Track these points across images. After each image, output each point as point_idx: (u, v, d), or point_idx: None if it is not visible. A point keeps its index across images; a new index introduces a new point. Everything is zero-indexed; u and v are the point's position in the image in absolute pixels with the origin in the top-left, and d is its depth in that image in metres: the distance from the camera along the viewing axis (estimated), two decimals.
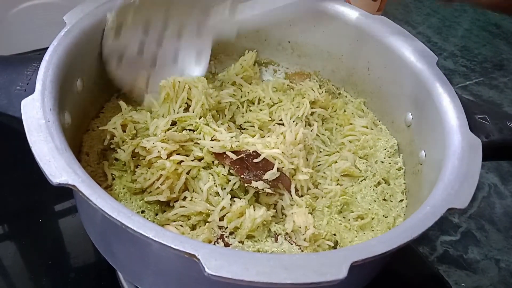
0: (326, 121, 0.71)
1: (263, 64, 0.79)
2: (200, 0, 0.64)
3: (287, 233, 0.56)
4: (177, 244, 0.37)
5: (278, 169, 0.55)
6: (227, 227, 0.53)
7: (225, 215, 0.54)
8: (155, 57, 0.64)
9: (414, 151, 0.62)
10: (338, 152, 0.67)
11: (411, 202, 0.60)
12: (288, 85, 0.75)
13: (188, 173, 0.56)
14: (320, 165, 0.65)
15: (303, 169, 0.58)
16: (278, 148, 0.57)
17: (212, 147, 0.56)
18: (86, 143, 0.61)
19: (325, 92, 0.72)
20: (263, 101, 0.70)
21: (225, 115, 0.67)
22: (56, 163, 0.42)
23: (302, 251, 0.52)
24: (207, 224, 0.53)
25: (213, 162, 0.57)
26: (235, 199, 0.56)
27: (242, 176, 0.55)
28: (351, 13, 0.69)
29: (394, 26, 0.66)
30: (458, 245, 0.79)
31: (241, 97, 0.71)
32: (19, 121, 0.46)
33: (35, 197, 0.73)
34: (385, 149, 0.66)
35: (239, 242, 0.53)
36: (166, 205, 0.56)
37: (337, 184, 0.62)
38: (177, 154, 0.56)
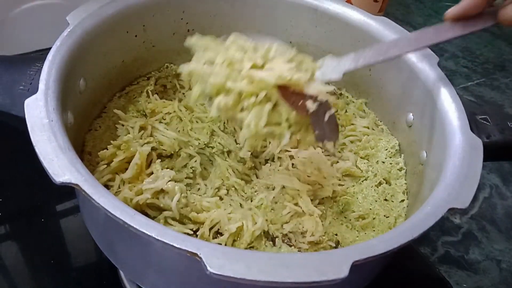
0: None
1: None
2: None
3: (285, 235, 0.56)
4: (179, 243, 0.38)
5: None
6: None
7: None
8: None
9: (415, 151, 0.62)
10: (339, 152, 0.67)
11: (412, 202, 0.61)
12: None
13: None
14: None
15: None
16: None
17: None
18: (89, 143, 0.61)
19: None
20: None
21: None
22: (59, 162, 0.42)
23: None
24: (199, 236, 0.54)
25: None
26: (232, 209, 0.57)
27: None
28: (353, 14, 0.69)
29: (395, 26, 0.67)
30: (459, 245, 0.79)
31: None
32: (22, 120, 0.46)
33: (37, 197, 0.73)
34: (386, 149, 0.67)
35: None
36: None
37: (339, 185, 0.62)
38: None
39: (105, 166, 0.57)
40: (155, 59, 0.72)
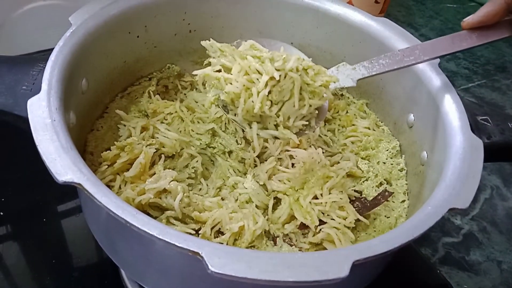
0: (328, 122, 0.72)
1: None
2: None
3: (286, 235, 0.57)
4: (181, 242, 0.38)
5: None
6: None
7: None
8: None
9: (416, 152, 0.62)
10: (340, 153, 0.68)
11: (413, 203, 0.61)
12: None
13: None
14: None
15: None
16: None
17: None
18: (91, 143, 0.61)
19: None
20: None
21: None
22: (61, 161, 0.42)
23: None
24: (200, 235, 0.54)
25: None
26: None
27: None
28: (354, 15, 0.69)
29: (396, 27, 0.67)
30: (460, 246, 0.79)
31: None
32: (25, 120, 0.46)
33: (38, 197, 0.73)
34: (387, 150, 0.67)
35: None
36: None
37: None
38: None
39: (107, 166, 0.57)
40: (157, 59, 0.72)
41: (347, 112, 0.72)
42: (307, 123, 0.54)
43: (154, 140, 0.61)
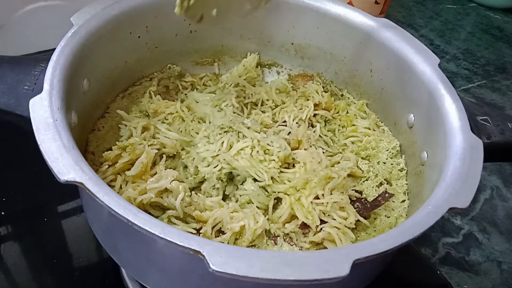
0: (329, 122, 0.72)
1: (267, 66, 0.80)
2: None
3: (286, 234, 0.57)
4: (182, 241, 0.38)
5: None
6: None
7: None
8: None
9: (416, 152, 0.62)
10: (340, 153, 0.68)
11: (413, 203, 0.61)
12: (291, 87, 0.75)
13: None
14: None
15: None
16: None
17: None
18: (92, 143, 0.61)
19: (329, 94, 0.73)
20: (266, 104, 0.71)
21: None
22: (63, 161, 0.42)
23: None
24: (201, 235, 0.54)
25: None
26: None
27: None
28: (354, 15, 0.69)
29: (396, 28, 0.67)
30: (460, 247, 0.79)
31: (244, 98, 0.72)
32: (26, 120, 0.46)
33: (39, 197, 0.73)
34: (387, 150, 0.67)
35: None
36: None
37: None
38: None
39: (108, 166, 0.58)
40: (158, 60, 0.72)
41: (347, 112, 0.73)
42: None
43: (155, 140, 0.61)
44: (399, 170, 0.65)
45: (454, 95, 0.57)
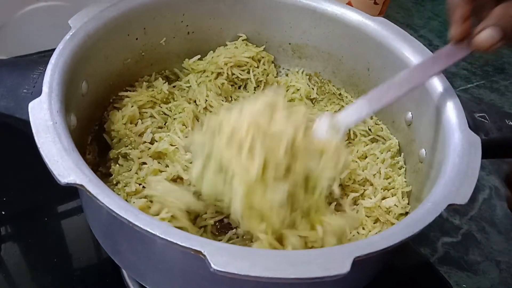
0: None
1: None
2: None
3: None
4: (183, 241, 0.38)
5: None
6: None
7: None
8: None
9: (415, 150, 0.63)
10: None
11: (412, 200, 0.61)
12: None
13: None
14: None
15: None
16: None
17: None
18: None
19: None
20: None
21: None
22: (64, 163, 0.42)
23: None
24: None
25: None
26: None
27: None
28: (351, 15, 0.70)
29: (393, 27, 0.67)
30: (459, 246, 0.79)
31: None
32: (26, 123, 0.46)
33: (39, 197, 0.73)
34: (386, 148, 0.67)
35: None
36: None
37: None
38: None
39: None
40: (156, 61, 0.72)
41: None
42: None
43: None
44: (398, 168, 0.65)
45: (451, 92, 0.58)
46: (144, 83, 0.69)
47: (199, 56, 0.74)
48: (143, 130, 0.61)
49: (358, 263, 0.38)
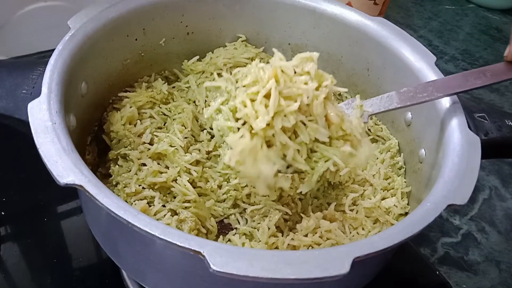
0: None
1: None
2: None
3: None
4: (182, 242, 0.38)
5: None
6: None
7: None
8: None
9: (414, 150, 0.63)
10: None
11: (412, 200, 0.61)
12: None
13: None
14: None
15: None
16: None
17: None
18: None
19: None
20: None
21: None
22: (63, 164, 0.42)
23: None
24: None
25: None
26: None
27: None
28: (351, 15, 0.70)
29: (392, 27, 0.67)
30: (459, 246, 0.79)
31: None
32: (25, 124, 0.46)
33: (39, 197, 0.73)
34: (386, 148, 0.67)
35: None
36: None
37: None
38: None
39: None
40: (155, 62, 0.72)
41: None
42: None
43: None
44: (397, 168, 0.65)
45: None
46: (143, 83, 0.70)
47: (197, 57, 0.74)
48: (142, 131, 0.61)
49: (358, 263, 0.38)
